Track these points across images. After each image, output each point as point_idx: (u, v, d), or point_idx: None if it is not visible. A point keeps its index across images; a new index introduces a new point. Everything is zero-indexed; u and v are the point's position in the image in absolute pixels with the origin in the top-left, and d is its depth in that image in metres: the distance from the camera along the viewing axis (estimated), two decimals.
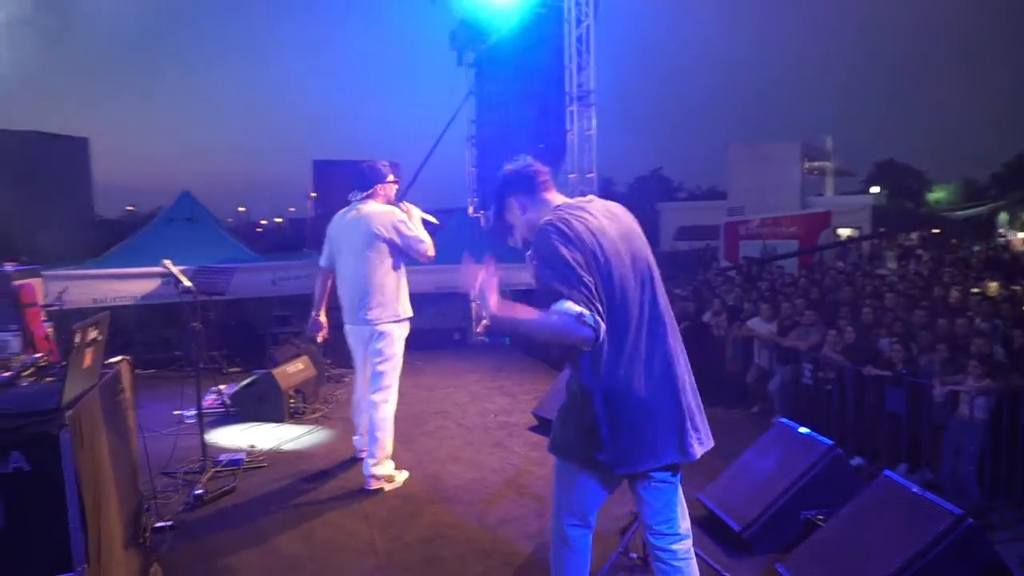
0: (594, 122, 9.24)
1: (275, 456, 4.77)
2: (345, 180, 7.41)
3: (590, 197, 2.42)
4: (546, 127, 9.89)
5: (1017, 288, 10.37)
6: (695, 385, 2.32)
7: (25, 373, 2.81)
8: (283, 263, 8.10)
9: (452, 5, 11.09)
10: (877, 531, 2.80)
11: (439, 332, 10.40)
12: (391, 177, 4.34)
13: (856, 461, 6.35)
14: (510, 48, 10.58)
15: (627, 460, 2.19)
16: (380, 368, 4.22)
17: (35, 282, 6.28)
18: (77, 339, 2.32)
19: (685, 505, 2.40)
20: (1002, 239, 27.19)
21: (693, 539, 2.53)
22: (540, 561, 3.30)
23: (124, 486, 2.86)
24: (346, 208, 4.33)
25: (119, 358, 3.12)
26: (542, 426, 5.37)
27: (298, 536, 3.58)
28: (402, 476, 4.32)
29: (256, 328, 8.38)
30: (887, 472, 3.06)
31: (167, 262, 4.22)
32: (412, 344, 8.76)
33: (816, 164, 31.00)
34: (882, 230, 23.31)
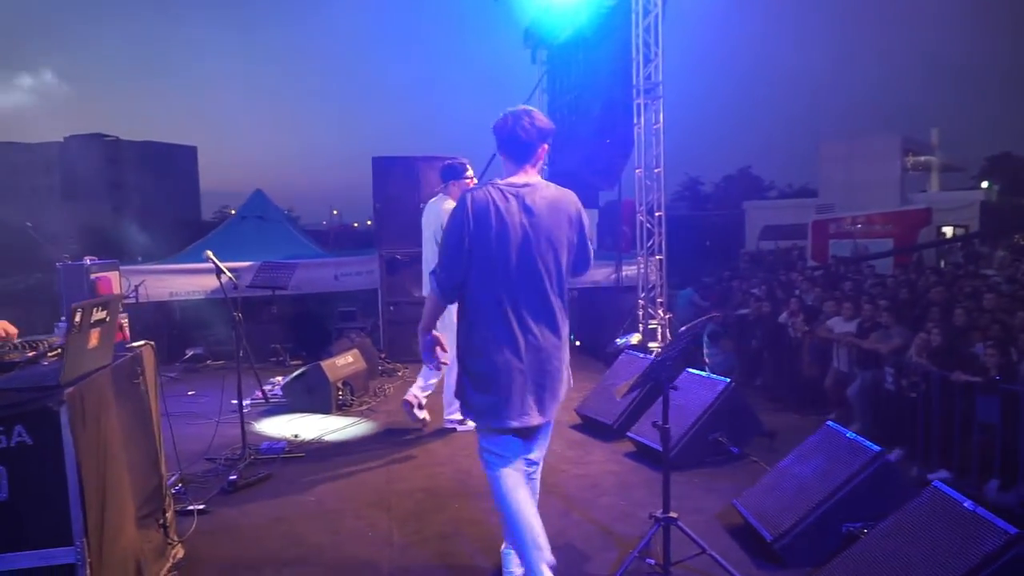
0: (662, 116, 8.92)
1: (316, 446, 4.82)
2: (403, 177, 7.51)
3: (529, 182, 2.68)
4: (612, 121, 9.64)
5: None
6: (561, 369, 2.69)
7: (51, 353, 2.92)
8: (344, 259, 8.27)
9: (520, 4, 11.02)
10: (920, 548, 2.49)
11: None
12: (469, 172, 4.77)
13: (941, 475, 5.84)
14: (579, 44, 10.42)
15: (481, 417, 2.69)
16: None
17: (112, 275, 6.67)
18: (76, 318, 2.37)
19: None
20: None
21: (720, 550, 2.82)
22: (556, 559, 3.16)
23: (139, 467, 2.92)
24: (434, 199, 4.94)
25: (142, 342, 3.20)
26: (585, 424, 5.21)
27: (322, 525, 3.59)
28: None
29: (322, 322, 8.60)
30: (937, 483, 2.72)
31: (209, 253, 4.34)
32: None
33: (920, 159, 28.99)
34: (985, 228, 21.46)
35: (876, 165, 24.30)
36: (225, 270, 4.30)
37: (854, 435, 3.31)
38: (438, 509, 3.75)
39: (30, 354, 2.80)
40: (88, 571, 2.36)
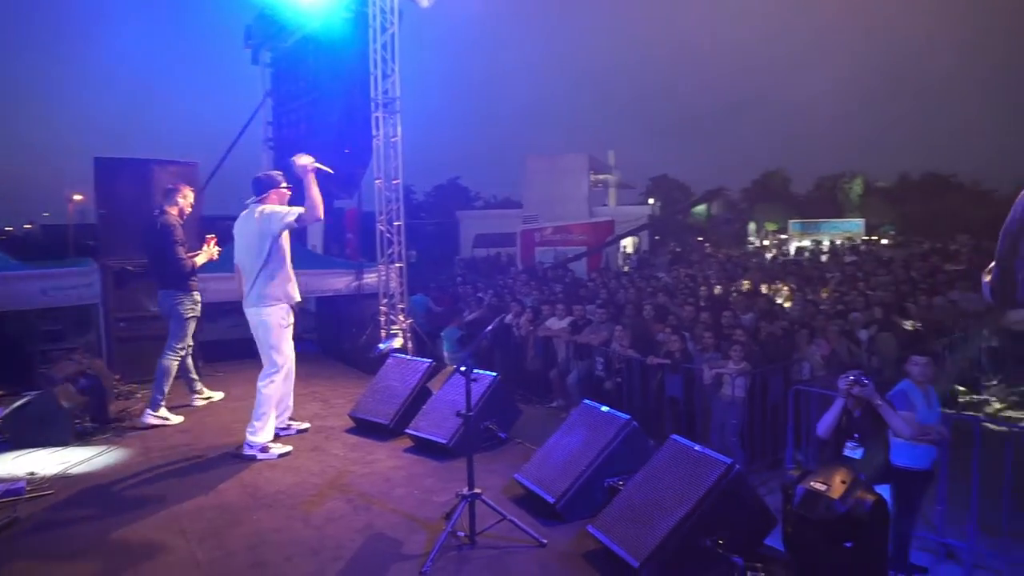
0: (399, 129, 9.36)
1: (63, 481, 4.30)
2: (133, 179, 6.90)
3: None
4: (352, 132, 9.82)
5: (766, 287, 12.25)
6: None
7: None
8: (56, 271, 7.21)
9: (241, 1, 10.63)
10: (668, 486, 3.26)
11: (245, 342, 9.87)
12: (284, 185, 5.00)
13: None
14: (312, 50, 10.36)
15: None
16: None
17: None
18: None
19: None
20: (751, 246, 31.69)
21: (515, 514, 2.77)
22: (370, 553, 3.38)
23: None
24: (246, 210, 4.94)
25: None
26: (360, 427, 5.40)
27: (106, 558, 3.32)
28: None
29: (21, 345, 7.39)
30: (674, 436, 3.56)
31: None
32: (216, 355, 8.27)
33: (601, 177, 33.70)
34: (657, 238, 26.08)
35: (570, 180, 27.73)
36: None
37: (608, 409, 4.07)
38: (234, 523, 3.69)
39: None
40: None
